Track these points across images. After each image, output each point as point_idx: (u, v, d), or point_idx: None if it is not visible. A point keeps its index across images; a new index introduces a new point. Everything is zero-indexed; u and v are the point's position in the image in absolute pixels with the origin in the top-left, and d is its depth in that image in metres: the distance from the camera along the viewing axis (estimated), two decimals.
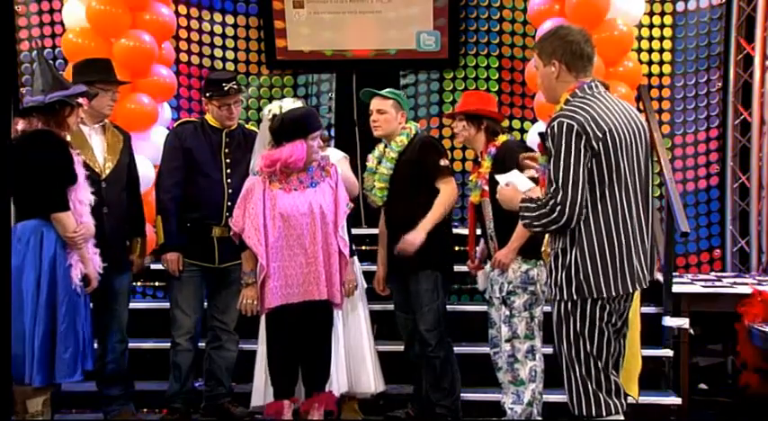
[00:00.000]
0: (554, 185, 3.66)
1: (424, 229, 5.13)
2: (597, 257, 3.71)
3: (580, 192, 3.65)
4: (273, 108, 5.21)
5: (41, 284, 4.64)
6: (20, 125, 4.74)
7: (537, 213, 3.71)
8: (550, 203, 3.66)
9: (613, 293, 3.73)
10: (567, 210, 3.64)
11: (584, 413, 3.79)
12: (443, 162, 5.24)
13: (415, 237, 5.11)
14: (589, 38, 3.93)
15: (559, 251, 3.76)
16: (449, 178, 5.26)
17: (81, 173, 4.79)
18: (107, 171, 5.25)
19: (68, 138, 4.83)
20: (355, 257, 5.40)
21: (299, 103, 5.31)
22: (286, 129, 4.88)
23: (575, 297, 3.72)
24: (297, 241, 4.93)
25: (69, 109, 4.77)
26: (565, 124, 3.66)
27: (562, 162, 3.65)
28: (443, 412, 5.31)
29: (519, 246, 4.94)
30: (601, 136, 3.68)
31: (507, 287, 5.01)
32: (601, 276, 3.71)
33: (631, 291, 3.79)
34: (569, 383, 3.81)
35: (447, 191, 5.23)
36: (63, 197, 4.69)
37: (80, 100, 4.83)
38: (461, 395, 5.40)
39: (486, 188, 5.09)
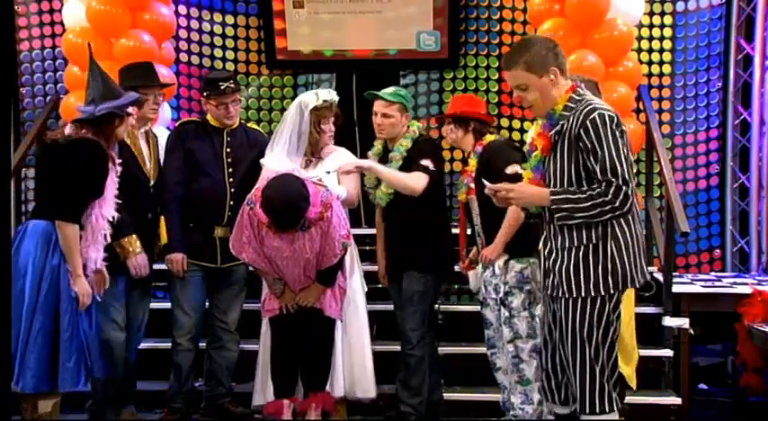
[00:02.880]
0: (608, 174, 3.73)
1: (357, 163, 5.26)
2: (630, 249, 3.83)
3: (633, 179, 3.78)
4: (310, 99, 5.27)
5: (41, 289, 4.57)
6: (67, 129, 4.69)
7: (592, 202, 3.76)
8: (612, 190, 3.74)
9: (641, 281, 3.86)
10: (631, 196, 3.76)
11: (597, 410, 3.83)
12: (424, 162, 5.21)
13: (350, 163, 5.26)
14: None
15: (590, 247, 3.81)
16: (422, 174, 5.21)
17: (112, 188, 4.73)
18: (154, 176, 5.27)
19: (128, 140, 4.95)
20: (357, 265, 5.46)
21: (333, 94, 5.35)
22: (290, 223, 4.85)
23: (612, 291, 3.80)
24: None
25: (119, 120, 4.74)
26: (606, 115, 3.78)
27: (614, 150, 3.75)
28: (408, 411, 5.34)
29: (506, 242, 4.95)
30: (625, 130, 3.84)
31: (504, 288, 5.00)
32: (633, 266, 3.83)
33: (648, 278, 3.95)
34: (582, 379, 3.83)
35: (412, 176, 5.20)
36: (75, 208, 4.60)
37: (129, 109, 4.81)
38: (460, 395, 5.40)
39: (473, 186, 5.14)
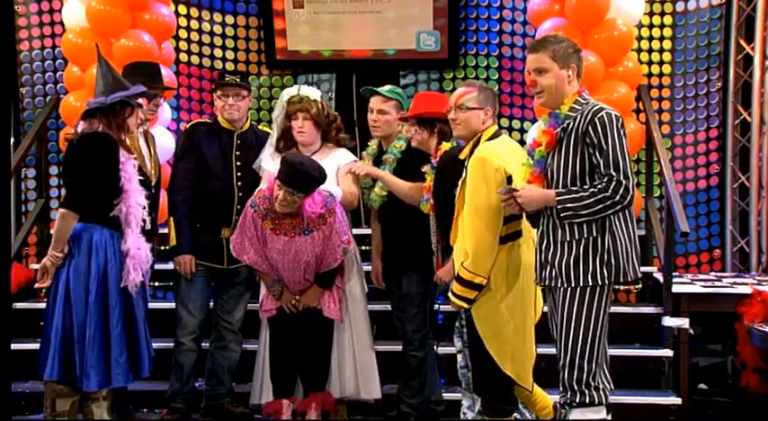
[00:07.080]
0: (611, 169, 3.93)
1: (381, 175, 5.23)
2: (623, 244, 4.02)
3: (634, 175, 3.99)
4: (291, 91, 5.35)
5: (90, 290, 4.61)
6: (80, 126, 4.73)
7: (594, 199, 3.95)
8: (612, 186, 3.94)
9: (632, 276, 4.07)
10: (631, 191, 3.96)
11: (587, 401, 4.00)
12: (423, 168, 5.11)
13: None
14: None
15: (590, 240, 4.00)
16: (418, 183, 5.15)
17: (135, 177, 4.74)
18: (155, 175, 5.27)
19: (128, 141, 4.83)
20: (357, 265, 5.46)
21: (317, 91, 5.38)
22: (295, 181, 4.87)
23: (607, 280, 4.00)
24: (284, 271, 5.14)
25: (130, 109, 4.77)
26: (613, 114, 4.02)
27: (618, 147, 3.97)
28: (408, 411, 5.35)
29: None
30: (626, 132, 4.06)
31: None
32: (628, 260, 4.03)
33: (638, 275, 4.11)
34: (570, 368, 4.00)
35: (410, 186, 5.17)
36: (82, 198, 4.63)
37: (140, 100, 4.86)
38: (460, 395, 5.39)
39: (433, 202, 4.99)
